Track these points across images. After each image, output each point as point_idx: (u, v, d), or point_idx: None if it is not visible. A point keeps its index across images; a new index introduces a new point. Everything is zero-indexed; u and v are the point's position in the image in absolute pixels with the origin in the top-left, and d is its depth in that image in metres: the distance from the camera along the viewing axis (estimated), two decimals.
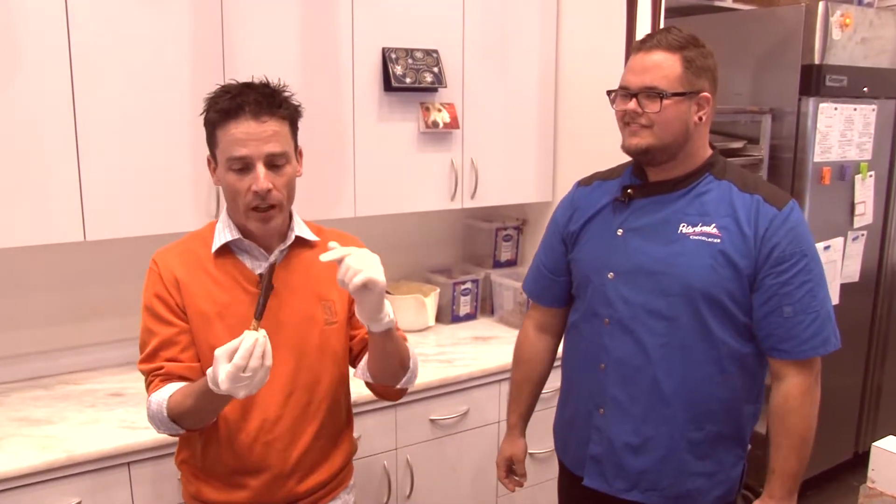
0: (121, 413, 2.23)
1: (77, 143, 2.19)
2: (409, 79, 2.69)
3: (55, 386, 2.46)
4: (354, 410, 2.37)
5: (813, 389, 1.70)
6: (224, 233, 1.67)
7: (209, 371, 1.45)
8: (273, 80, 1.64)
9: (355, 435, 2.39)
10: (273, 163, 1.57)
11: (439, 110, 2.81)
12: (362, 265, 1.47)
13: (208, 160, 1.67)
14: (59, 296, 2.56)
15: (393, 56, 2.67)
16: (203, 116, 1.62)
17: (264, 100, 1.56)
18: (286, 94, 1.63)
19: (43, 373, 2.54)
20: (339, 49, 2.59)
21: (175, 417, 1.58)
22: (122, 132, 2.25)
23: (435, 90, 2.80)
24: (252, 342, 1.39)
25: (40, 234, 2.18)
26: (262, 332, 1.43)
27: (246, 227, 1.65)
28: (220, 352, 1.41)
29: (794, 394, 1.69)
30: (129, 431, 2.09)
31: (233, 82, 1.62)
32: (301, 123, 1.68)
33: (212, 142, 1.62)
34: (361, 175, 2.69)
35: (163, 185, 2.33)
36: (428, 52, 2.75)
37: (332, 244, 1.51)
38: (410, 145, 2.79)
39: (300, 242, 1.73)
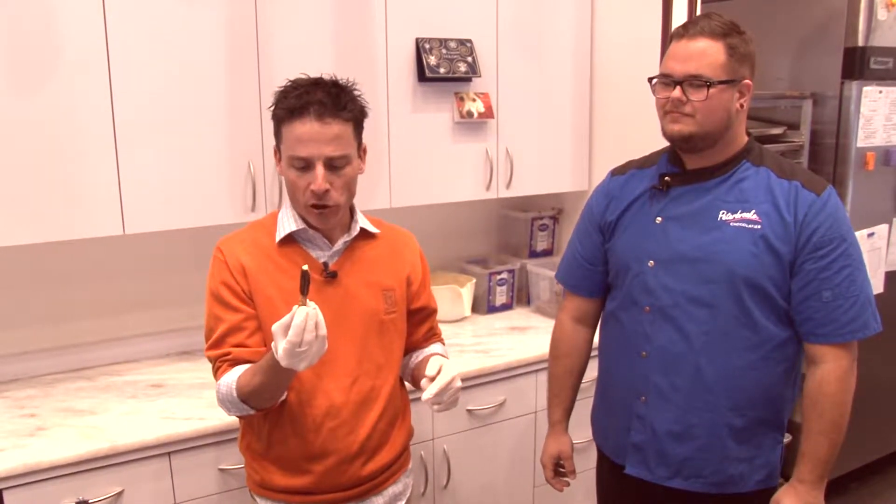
0: (161, 404, 2.26)
1: (115, 139, 2.21)
2: (442, 69, 2.68)
3: (98, 377, 2.50)
4: None
5: (849, 375, 1.68)
6: (288, 222, 1.72)
7: (273, 344, 1.47)
8: (342, 79, 1.68)
9: None
10: (332, 164, 1.62)
11: (473, 100, 2.80)
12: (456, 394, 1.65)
13: (274, 150, 1.72)
14: (100, 289, 2.60)
15: (427, 46, 2.67)
16: (271, 110, 1.67)
17: (329, 101, 1.60)
18: (355, 91, 1.68)
19: (86, 364, 2.59)
20: (372, 40, 2.58)
21: (245, 397, 1.61)
22: (159, 127, 2.27)
23: (469, 80, 2.78)
24: (303, 318, 1.41)
25: (81, 229, 2.21)
26: (312, 304, 1.44)
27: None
28: (276, 327, 1.44)
29: (830, 379, 1.67)
30: (169, 422, 2.12)
31: (303, 76, 1.66)
32: None
33: (277, 135, 1.67)
34: (396, 166, 2.69)
35: (200, 178, 2.35)
36: (461, 42, 2.74)
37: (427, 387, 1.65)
38: (445, 135, 2.78)
39: (363, 234, 1.78)
